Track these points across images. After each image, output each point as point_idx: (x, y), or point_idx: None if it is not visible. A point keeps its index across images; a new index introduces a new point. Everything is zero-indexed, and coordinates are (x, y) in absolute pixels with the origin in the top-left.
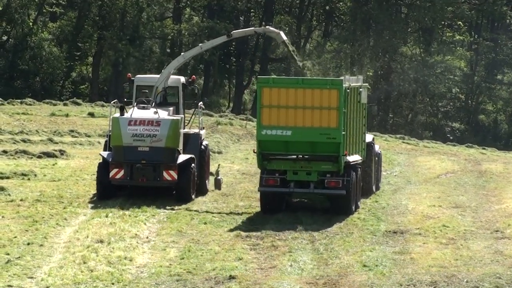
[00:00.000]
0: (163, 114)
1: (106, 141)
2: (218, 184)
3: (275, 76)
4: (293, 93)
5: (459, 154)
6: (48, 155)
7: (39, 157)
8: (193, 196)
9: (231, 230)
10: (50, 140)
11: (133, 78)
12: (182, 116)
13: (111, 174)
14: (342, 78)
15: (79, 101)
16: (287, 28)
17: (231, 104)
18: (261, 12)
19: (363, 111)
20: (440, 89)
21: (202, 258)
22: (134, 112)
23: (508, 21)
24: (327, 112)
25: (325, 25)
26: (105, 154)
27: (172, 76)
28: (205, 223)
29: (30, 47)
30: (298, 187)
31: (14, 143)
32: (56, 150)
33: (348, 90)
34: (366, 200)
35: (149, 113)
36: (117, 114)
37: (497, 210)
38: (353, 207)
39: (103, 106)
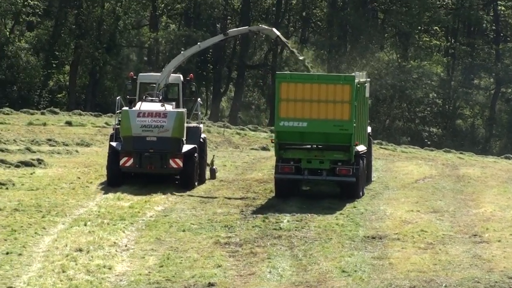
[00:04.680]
0: (169, 107)
1: (112, 134)
2: (213, 174)
3: (293, 72)
4: (309, 87)
5: (437, 159)
6: (26, 164)
7: (17, 166)
8: (196, 183)
9: (210, 237)
10: (28, 149)
11: (135, 77)
12: (186, 109)
13: (121, 162)
14: (353, 74)
15: (56, 110)
16: (263, 36)
17: (209, 112)
18: (237, 19)
19: (367, 104)
20: (417, 94)
21: (181, 265)
22: (143, 105)
23: (484, 25)
24: (340, 106)
25: (301, 31)
26: (114, 144)
27: (172, 74)
28: (183, 231)
29: (7, 57)
30: (312, 174)
31: None
32: (34, 159)
33: (358, 85)
34: (345, 206)
35: (156, 106)
36: (126, 108)
37: (475, 214)
38: (360, 193)
39: (80, 114)
